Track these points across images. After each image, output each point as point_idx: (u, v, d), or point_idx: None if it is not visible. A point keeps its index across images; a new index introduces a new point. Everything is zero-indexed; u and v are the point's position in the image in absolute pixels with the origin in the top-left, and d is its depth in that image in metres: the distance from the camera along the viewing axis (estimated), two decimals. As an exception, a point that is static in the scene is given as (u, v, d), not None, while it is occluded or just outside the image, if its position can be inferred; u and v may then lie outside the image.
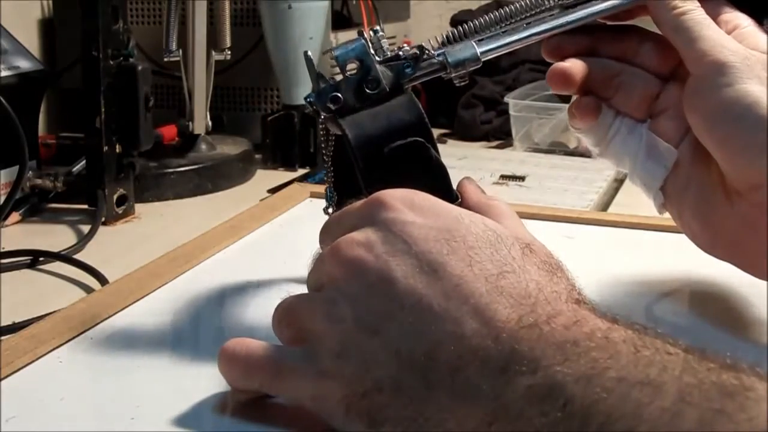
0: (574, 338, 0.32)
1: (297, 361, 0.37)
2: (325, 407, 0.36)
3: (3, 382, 0.42)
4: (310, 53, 0.46)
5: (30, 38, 1.10)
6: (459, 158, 1.02)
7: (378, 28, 0.46)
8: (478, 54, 0.46)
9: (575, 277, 0.38)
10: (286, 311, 0.40)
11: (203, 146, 0.97)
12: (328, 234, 0.42)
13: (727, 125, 0.43)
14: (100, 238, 0.74)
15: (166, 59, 0.91)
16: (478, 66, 0.47)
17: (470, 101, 1.19)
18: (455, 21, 1.33)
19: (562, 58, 0.49)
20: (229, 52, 0.98)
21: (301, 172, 0.99)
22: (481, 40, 0.47)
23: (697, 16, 0.45)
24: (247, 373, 0.39)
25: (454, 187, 0.45)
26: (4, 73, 0.77)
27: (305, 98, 0.46)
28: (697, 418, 0.27)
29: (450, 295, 0.35)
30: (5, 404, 0.40)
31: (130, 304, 0.53)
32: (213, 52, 0.96)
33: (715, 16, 0.47)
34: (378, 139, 0.44)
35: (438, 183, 0.43)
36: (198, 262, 0.61)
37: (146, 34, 1.06)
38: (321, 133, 0.47)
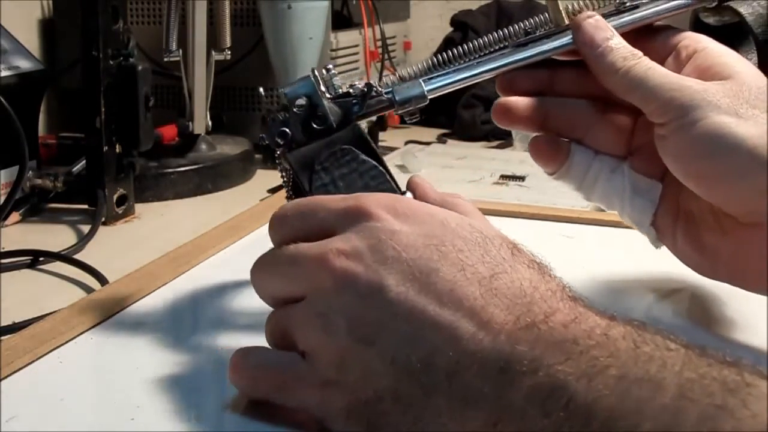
0: (574, 336, 0.32)
1: (300, 371, 0.37)
2: (329, 414, 0.36)
3: (3, 382, 0.42)
4: (261, 90, 0.53)
5: (30, 38, 1.10)
6: (459, 158, 1.01)
7: (330, 66, 0.48)
8: (425, 92, 0.48)
9: (563, 276, 0.37)
10: (277, 326, 0.40)
11: (203, 146, 0.97)
12: (286, 226, 0.41)
13: (704, 161, 0.42)
14: (100, 238, 0.74)
15: (166, 59, 0.91)
16: (425, 103, 0.48)
17: (470, 101, 1.19)
18: (455, 21, 1.33)
19: (518, 95, 0.48)
20: (229, 52, 0.98)
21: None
22: (431, 78, 0.48)
23: (642, 67, 0.45)
24: (255, 385, 0.39)
25: (404, 187, 0.46)
26: (4, 73, 0.77)
27: (260, 135, 0.48)
28: (699, 414, 0.27)
29: (444, 300, 0.34)
30: (5, 404, 0.40)
31: (130, 304, 0.53)
32: (213, 52, 0.96)
33: (673, 45, 0.47)
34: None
35: (379, 185, 0.45)
36: (198, 262, 0.61)
37: (146, 34, 1.06)
38: (278, 164, 0.48)
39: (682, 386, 0.28)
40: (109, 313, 0.51)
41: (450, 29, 1.34)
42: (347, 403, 0.35)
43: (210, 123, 0.98)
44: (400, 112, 0.48)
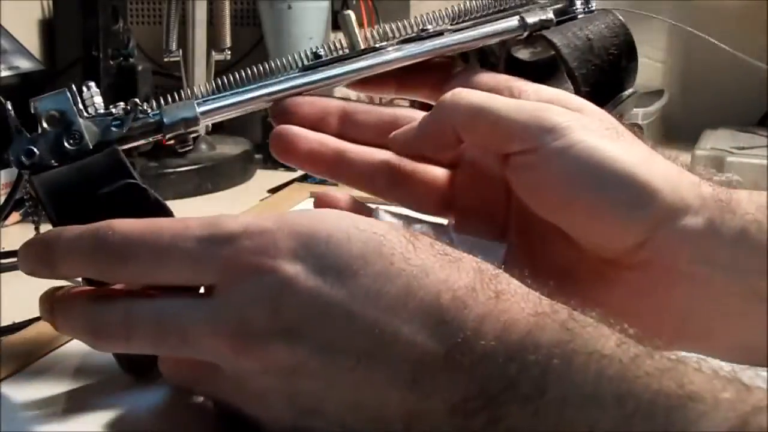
0: (506, 352, 0.29)
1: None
2: None
3: (3, 382, 0.42)
4: (9, 106, 0.42)
5: (30, 38, 1.10)
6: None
7: (92, 83, 0.42)
8: (198, 114, 0.43)
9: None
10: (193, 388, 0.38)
11: (203, 146, 0.97)
12: (130, 264, 0.34)
13: (587, 187, 0.36)
14: (100, 238, 0.73)
15: (166, 59, 0.91)
16: (198, 126, 0.43)
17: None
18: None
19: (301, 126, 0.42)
20: (229, 52, 0.98)
21: (301, 172, 0.99)
22: (206, 100, 0.44)
23: (480, 94, 0.38)
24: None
25: None
26: (4, 73, 0.77)
27: (4, 154, 0.41)
28: None
29: (372, 353, 0.30)
30: (5, 404, 0.40)
31: (130, 304, 0.53)
32: (213, 52, 0.96)
33: (498, 84, 0.42)
34: (77, 193, 0.39)
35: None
36: (198, 262, 0.61)
37: (146, 34, 1.06)
38: (25, 190, 0.42)
39: (623, 405, 0.26)
40: (109, 313, 0.51)
41: (450, 29, 1.34)
42: None
43: (210, 123, 0.98)
44: (169, 136, 0.42)
